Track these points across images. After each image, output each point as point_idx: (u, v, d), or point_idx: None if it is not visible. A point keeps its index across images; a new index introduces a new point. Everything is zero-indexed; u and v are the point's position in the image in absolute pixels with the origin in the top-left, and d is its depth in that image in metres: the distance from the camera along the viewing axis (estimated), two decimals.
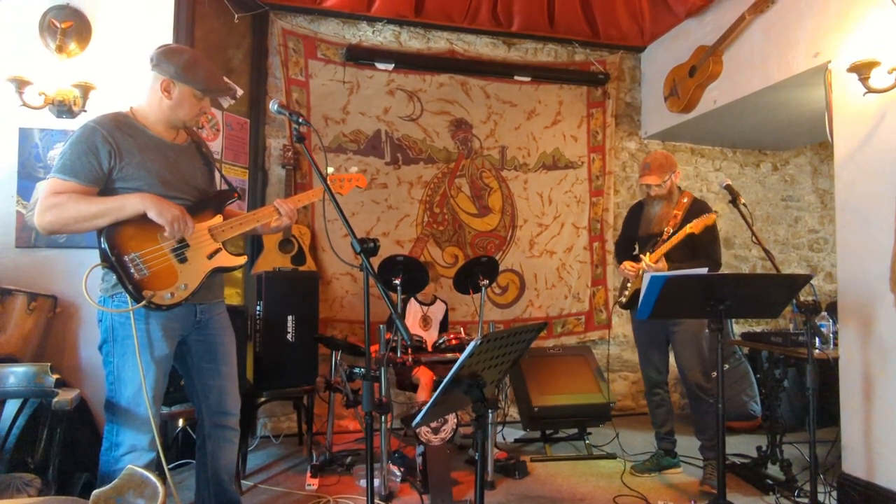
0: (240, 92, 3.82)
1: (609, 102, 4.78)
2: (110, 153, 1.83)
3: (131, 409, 1.87)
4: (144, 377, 1.84)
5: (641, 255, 3.03)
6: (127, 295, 1.81)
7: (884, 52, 2.67)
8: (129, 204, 1.81)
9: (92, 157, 1.81)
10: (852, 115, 2.91)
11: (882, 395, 2.74)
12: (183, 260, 1.90)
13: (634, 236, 3.27)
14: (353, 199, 4.10)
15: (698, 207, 3.03)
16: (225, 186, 2.21)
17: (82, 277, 3.14)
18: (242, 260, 2.06)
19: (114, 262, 1.79)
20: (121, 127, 1.90)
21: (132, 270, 1.80)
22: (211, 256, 1.96)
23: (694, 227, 2.85)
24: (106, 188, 1.86)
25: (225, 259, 1.99)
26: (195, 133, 2.17)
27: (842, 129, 2.98)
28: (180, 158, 2.01)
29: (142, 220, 1.82)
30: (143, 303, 1.80)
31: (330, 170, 2.20)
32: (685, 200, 3.05)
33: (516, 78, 4.54)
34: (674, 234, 2.92)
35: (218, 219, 2.02)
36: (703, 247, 2.98)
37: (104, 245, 1.80)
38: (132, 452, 1.87)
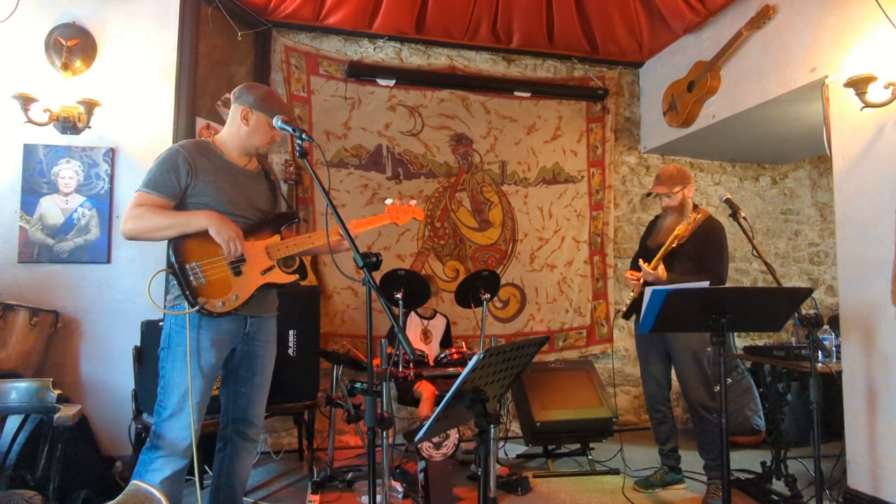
0: None
1: (608, 117, 4.82)
2: (188, 172, 2.03)
3: (175, 414, 1.99)
4: (192, 383, 1.97)
5: (641, 263, 3.03)
6: (185, 303, 1.97)
7: (880, 68, 2.70)
8: (195, 220, 1.99)
9: (173, 174, 2.02)
10: (850, 129, 2.93)
11: (886, 408, 2.73)
12: (238, 273, 2.05)
13: (646, 247, 3.26)
14: (354, 214, 4.11)
15: (710, 225, 3.01)
16: (286, 210, 2.39)
17: (84, 292, 3.14)
18: (293, 277, 2.19)
19: (177, 269, 1.96)
20: (201, 150, 2.11)
21: (191, 278, 1.97)
22: (265, 273, 2.11)
23: (671, 240, 2.92)
24: (181, 202, 2.06)
25: (277, 276, 2.14)
26: (266, 162, 2.35)
27: (840, 143, 3.00)
28: (249, 182, 2.19)
29: (205, 234, 1.99)
30: (196, 308, 1.95)
31: (388, 201, 2.37)
32: (699, 217, 3.00)
33: (516, 93, 4.58)
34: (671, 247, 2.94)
35: (276, 238, 2.17)
36: (710, 262, 2.97)
37: (171, 253, 1.98)
38: (167, 457, 1.99)
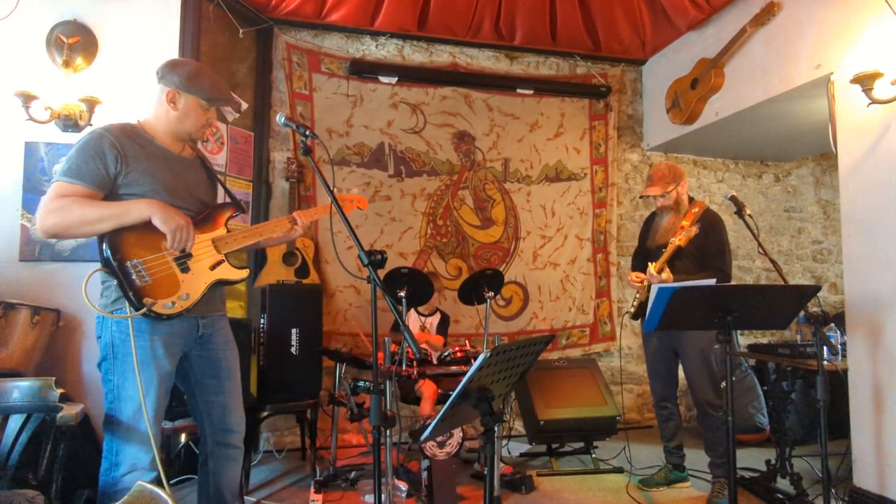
0: (244, 105, 3.84)
1: (611, 115, 4.80)
2: (117, 158, 1.82)
3: (132, 428, 1.82)
4: (145, 395, 1.79)
5: (650, 265, 3.00)
6: (127, 305, 1.78)
7: (887, 64, 2.68)
8: (134, 209, 1.79)
9: (99, 161, 1.79)
10: (856, 126, 2.91)
11: (893, 406, 2.72)
12: (185, 269, 1.86)
13: (646, 248, 3.25)
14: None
15: (708, 221, 2.99)
16: (228, 200, 2.20)
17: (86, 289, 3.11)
18: (244, 273, 2.03)
19: (115, 267, 1.75)
20: (129, 135, 1.89)
21: (134, 277, 1.76)
22: (213, 268, 1.93)
23: (680, 240, 2.86)
24: (111, 194, 1.84)
25: (227, 271, 1.97)
26: (199, 149, 2.18)
27: (846, 140, 2.98)
28: (186, 170, 2.01)
29: (145, 226, 1.79)
30: (143, 310, 1.75)
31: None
32: (695, 210, 3.00)
33: (519, 91, 4.56)
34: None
35: (221, 231, 2.00)
36: (711, 257, 2.97)
37: (106, 250, 1.76)
38: (133, 472, 1.81)
